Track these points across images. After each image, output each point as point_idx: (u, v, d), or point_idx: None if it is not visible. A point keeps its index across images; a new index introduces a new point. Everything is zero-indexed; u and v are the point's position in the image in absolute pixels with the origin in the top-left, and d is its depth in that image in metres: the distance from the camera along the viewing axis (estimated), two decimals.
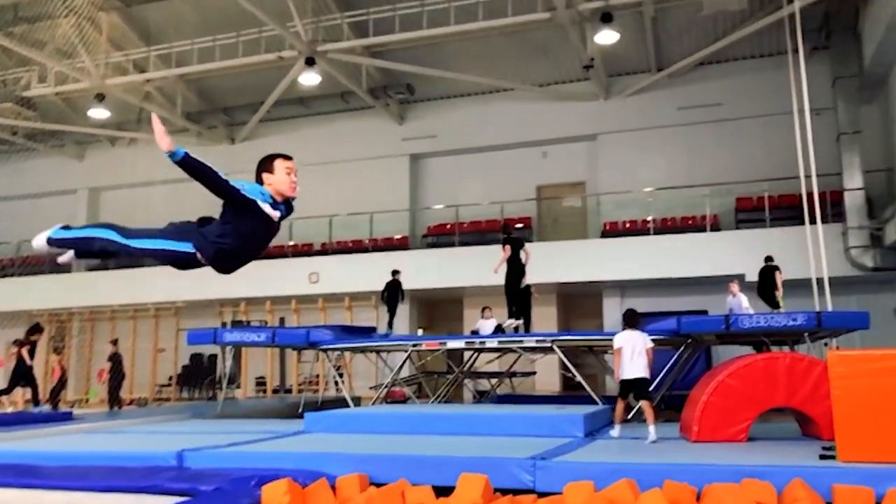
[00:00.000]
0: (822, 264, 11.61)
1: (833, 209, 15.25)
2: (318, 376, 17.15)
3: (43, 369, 17.27)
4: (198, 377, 20.21)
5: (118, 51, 19.46)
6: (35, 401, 12.71)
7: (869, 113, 16.26)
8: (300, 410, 11.04)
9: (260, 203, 3.40)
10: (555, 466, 5.37)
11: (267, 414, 12.21)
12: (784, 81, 13.30)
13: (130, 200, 21.63)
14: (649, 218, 17.44)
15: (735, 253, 15.20)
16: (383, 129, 20.45)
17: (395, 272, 14.24)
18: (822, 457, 5.34)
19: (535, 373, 15.58)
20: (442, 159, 20.49)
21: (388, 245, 19.41)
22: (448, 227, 19.41)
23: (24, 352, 12.36)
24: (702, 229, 16.68)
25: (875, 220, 15.05)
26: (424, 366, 15.84)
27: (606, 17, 15.07)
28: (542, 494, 5.13)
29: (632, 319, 7.78)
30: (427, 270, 17.19)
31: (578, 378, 10.44)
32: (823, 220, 12.47)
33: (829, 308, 11.16)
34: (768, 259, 12.88)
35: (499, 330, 12.92)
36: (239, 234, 3.42)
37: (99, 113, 19.79)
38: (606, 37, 15.62)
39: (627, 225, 17.75)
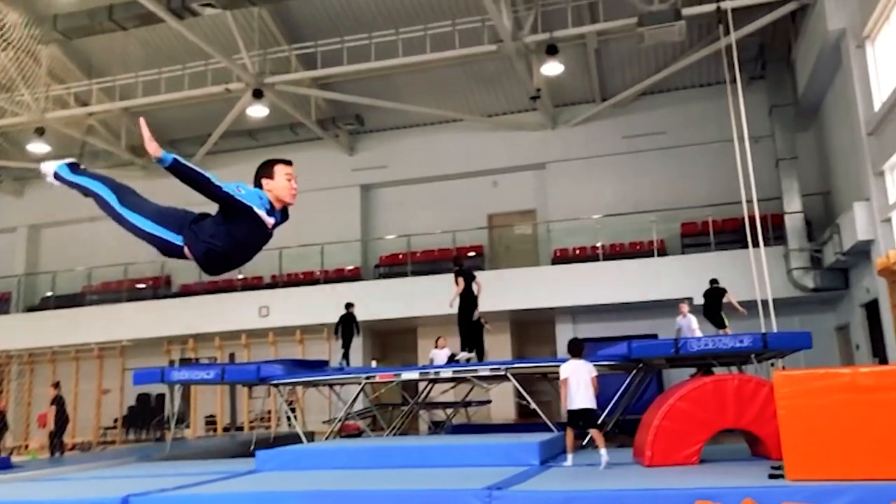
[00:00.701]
0: (766, 286, 11.92)
1: (775, 232, 15.72)
2: (269, 412, 16.81)
3: None
4: (145, 418, 19.59)
5: (59, 84, 19.08)
6: None
7: (805, 139, 16.87)
8: (252, 448, 10.76)
9: (256, 210, 3.28)
10: (511, 496, 5.33)
11: (217, 453, 11.88)
12: (724, 110, 13.74)
13: (73, 237, 21.09)
14: (598, 244, 17.71)
15: (682, 277, 15.52)
16: (333, 159, 20.42)
17: (348, 305, 14.10)
18: (772, 476, 5.41)
19: (490, 402, 15.54)
20: (393, 189, 20.52)
21: (340, 276, 19.28)
22: (400, 256, 19.38)
23: None
24: (649, 254, 16.99)
25: (814, 243, 15.54)
26: (379, 398, 15.66)
27: (551, 50, 15.39)
28: None
29: (576, 349, 7.81)
30: (380, 301, 17.09)
31: (533, 405, 10.45)
32: (766, 244, 12.85)
33: (775, 329, 11.43)
34: (713, 282, 13.15)
35: (453, 360, 12.87)
36: (232, 237, 3.29)
37: (39, 147, 19.28)
38: (552, 68, 15.95)
39: (577, 251, 17.99)
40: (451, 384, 13.52)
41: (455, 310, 12.18)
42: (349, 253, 19.63)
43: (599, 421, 9.56)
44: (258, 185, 3.37)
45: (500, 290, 16.23)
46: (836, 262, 14.40)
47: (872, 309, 13.36)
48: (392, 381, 11.82)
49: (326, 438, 12.11)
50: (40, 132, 18.80)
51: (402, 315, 17.51)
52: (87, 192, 3.50)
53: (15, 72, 17.01)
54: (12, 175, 22.37)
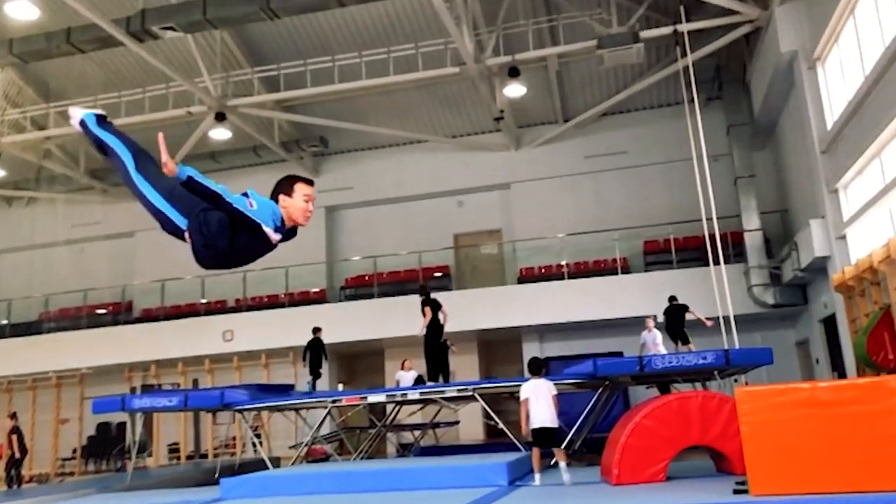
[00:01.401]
0: (728, 303, 12.10)
1: (735, 249, 16.00)
2: (234, 439, 16.53)
3: None
4: (105, 448, 19.13)
5: (14, 108, 18.73)
6: None
7: (762, 158, 17.26)
8: (216, 476, 10.57)
9: (264, 227, 3.18)
10: None
11: (181, 482, 11.62)
12: (683, 129, 14.00)
13: (29, 263, 20.64)
14: (563, 263, 17.84)
15: (646, 294, 15.68)
16: None
17: (315, 330, 13.93)
18: (736, 492, 5.47)
19: (458, 422, 15.46)
20: (358, 210, 20.48)
21: (305, 299, 19.11)
22: (366, 278, 19.30)
23: None
24: (613, 272, 17.16)
25: (773, 260, 15.85)
26: (346, 421, 15.51)
27: (513, 72, 15.57)
28: None
29: (536, 368, 7.88)
30: (346, 323, 16.97)
31: (501, 425, 10.44)
32: (726, 261, 13.08)
33: (737, 345, 11.60)
34: (672, 299, 13.26)
35: (420, 381, 12.82)
36: (233, 242, 3.21)
37: None
38: (514, 90, 16.13)
39: (543, 270, 18.10)
40: (419, 406, 13.45)
41: (419, 327, 12.22)
42: (314, 275, 19.49)
43: (567, 439, 9.62)
44: (275, 198, 3.27)
45: (467, 310, 16.24)
46: (794, 279, 14.69)
47: (830, 324, 13.63)
48: (359, 405, 11.72)
49: (293, 464, 11.94)
50: None
51: (369, 337, 17.41)
52: (105, 149, 3.40)
53: None
54: None
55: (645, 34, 14.53)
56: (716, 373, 9.87)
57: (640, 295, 15.77)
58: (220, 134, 17.57)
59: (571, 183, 18.85)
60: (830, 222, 12.67)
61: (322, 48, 17.35)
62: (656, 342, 12.49)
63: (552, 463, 8.42)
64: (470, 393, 10.54)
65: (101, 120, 3.44)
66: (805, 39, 12.95)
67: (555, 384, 7.87)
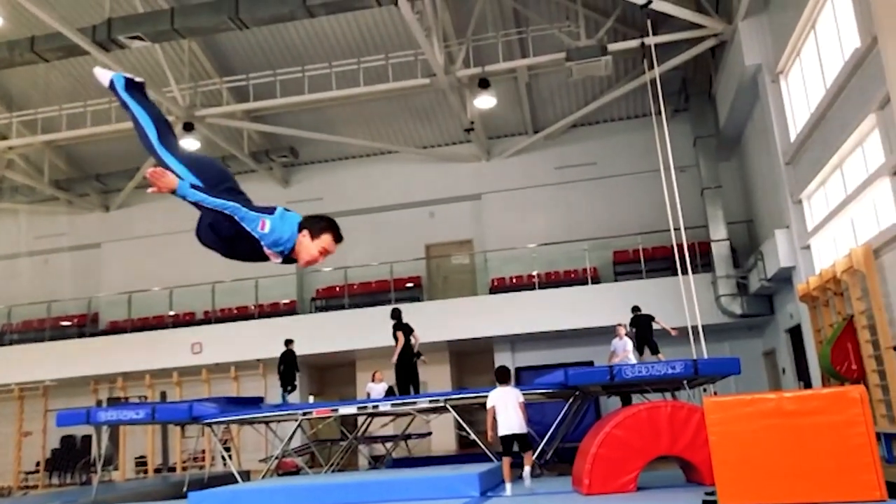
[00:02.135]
0: (696, 313, 12.24)
1: (702, 260, 16.22)
2: (203, 452, 16.30)
3: None
4: (69, 461, 18.75)
5: None
6: None
7: (728, 169, 17.54)
8: (185, 490, 10.42)
9: (266, 249, 3.15)
10: None
11: (148, 496, 11.42)
12: (651, 141, 14.19)
13: None
14: (534, 273, 17.93)
15: (616, 304, 15.74)
16: (267, 192, 20.15)
17: (288, 342, 13.84)
18: (705, 502, 5.53)
19: (430, 434, 15.44)
20: None
21: (276, 311, 18.96)
22: (337, 289, 19.20)
23: None
24: (584, 282, 17.29)
25: (740, 270, 16.08)
26: (317, 434, 15.38)
27: (483, 83, 15.66)
28: None
29: (503, 376, 8.00)
30: (317, 335, 16.86)
31: (473, 436, 10.44)
32: (694, 271, 13.23)
33: (705, 355, 11.73)
34: (636, 309, 13.37)
35: (391, 393, 12.79)
36: (232, 243, 3.19)
37: None
38: (485, 101, 16.21)
39: (514, 280, 18.17)
40: (391, 418, 13.40)
41: (389, 337, 12.25)
42: (285, 286, 19.34)
43: (539, 449, 9.66)
44: (302, 227, 3.17)
45: (439, 321, 16.26)
46: (760, 289, 14.92)
47: (796, 334, 13.85)
48: (330, 417, 11.64)
49: (263, 477, 11.80)
50: None
51: (340, 349, 17.32)
52: (128, 112, 3.37)
53: None
54: None
55: (613, 47, 14.72)
56: (685, 382, 9.98)
57: (611, 305, 15.88)
58: (189, 144, 17.36)
59: (542, 193, 18.97)
60: (795, 232, 12.90)
61: (292, 58, 17.31)
62: (626, 349, 12.58)
63: (520, 476, 8.46)
64: (442, 404, 10.52)
65: (131, 85, 3.39)
66: (768, 53, 13.22)
67: (526, 394, 7.92)
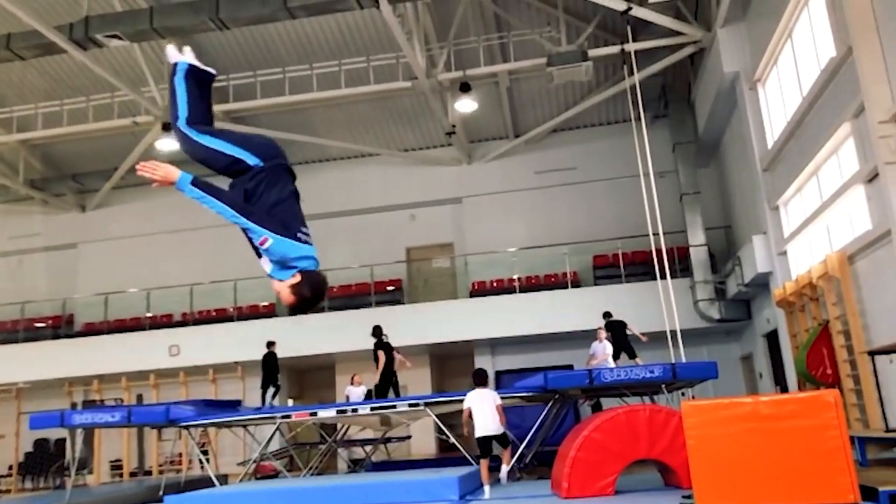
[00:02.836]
0: (675, 317, 12.34)
1: (681, 264, 16.34)
2: (180, 455, 16.15)
3: None
4: (43, 465, 18.49)
5: None
6: None
7: (706, 175, 17.70)
8: (161, 494, 10.31)
9: (259, 260, 3.10)
10: None
11: (123, 500, 11.34)
12: (630, 146, 14.29)
13: None
14: (515, 276, 17.97)
15: (595, 308, 15.79)
16: None
17: (269, 344, 13.75)
18: None
19: (409, 437, 15.41)
20: (309, 223, 20.16)
21: (254, 313, 18.83)
22: None
23: None
24: (564, 286, 17.35)
25: (718, 275, 16.23)
26: (296, 437, 15.29)
27: (465, 87, 15.69)
28: None
29: (480, 379, 8.08)
30: (296, 337, 16.72)
31: (453, 440, 10.43)
32: (672, 276, 13.34)
33: (683, 359, 11.82)
34: (607, 315, 13.40)
35: (370, 396, 12.76)
36: (248, 211, 3.06)
37: None
38: (466, 105, 16.26)
39: (494, 284, 18.19)
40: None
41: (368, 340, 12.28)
42: (263, 289, 19.15)
43: (518, 452, 9.69)
44: (298, 273, 3.06)
45: (419, 324, 16.25)
46: (738, 294, 15.07)
47: (773, 339, 14.00)
48: (308, 420, 11.58)
49: (240, 481, 11.72)
50: None
51: (320, 351, 17.23)
52: (173, 100, 3.31)
53: None
54: None
55: (593, 52, 14.82)
56: (663, 386, 10.05)
57: (591, 308, 15.91)
58: (168, 145, 17.24)
59: (523, 197, 19.03)
60: (772, 238, 13.04)
61: (273, 60, 17.21)
62: (606, 352, 12.65)
63: (499, 479, 8.48)
64: (421, 408, 10.51)
65: (191, 74, 3.33)
66: (746, 61, 13.38)
67: (506, 398, 7.96)
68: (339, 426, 13.35)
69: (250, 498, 8.06)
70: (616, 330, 13.06)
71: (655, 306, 13.29)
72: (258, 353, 13.78)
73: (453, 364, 18.99)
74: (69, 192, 20.59)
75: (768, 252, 13.14)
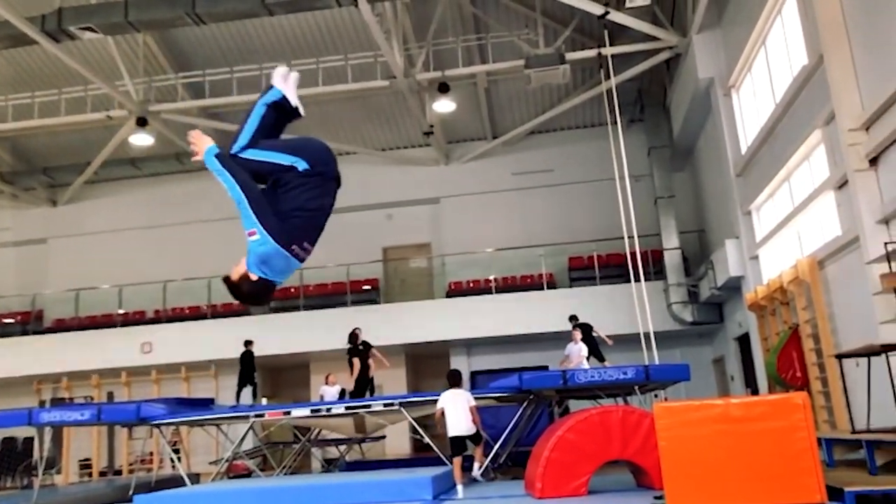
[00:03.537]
0: (648, 319, 12.46)
1: (655, 267, 16.51)
2: (151, 454, 15.98)
3: None
4: (10, 464, 18.17)
5: None
6: None
7: (681, 179, 17.90)
8: (130, 493, 10.18)
9: (253, 267, 3.03)
10: None
11: (92, 500, 11.17)
12: (606, 150, 14.41)
13: None
14: (491, 277, 18.02)
15: (570, 309, 15.88)
16: (221, 191, 19.74)
17: (247, 342, 13.66)
18: None
19: (384, 437, 15.38)
20: None
21: (229, 311, 18.63)
22: (292, 290, 18.98)
23: None
24: (539, 287, 17.44)
25: (691, 278, 16.42)
26: (269, 436, 15.19)
27: (443, 88, 15.71)
28: None
29: (454, 379, 8.16)
30: (271, 336, 16.60)
31: (427, 440, 10.43)
32: (647, 278, 13.47)
33: (657, 361, 11.94)
34: (573, 318, 13.44)
35: (344, 396, 12.72)
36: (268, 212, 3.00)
37: None
38: (444, 106, 16.28)
39: (471, 284, 18.23)
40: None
41: (343, 340, 12.28)
42: None
43: (492, 453, 9.72)
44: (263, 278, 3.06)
45: (396, 324, 16.23)
46: (711, 297, 15.25)
47: (745, 342, 14.19)
48: (281, 420, 11.51)
49: (213, 480, 11.61)
50: None
51: (294, 350, 17.14)
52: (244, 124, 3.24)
53: None
54: None
55: (570, 56, 14.91)
56: (636, 388, 10.14)
57: (566, 310, 16.00)
58: (142, 140, 17.05)
59: (500, 199, 19.10)
60: (744, 243, 13.22)
61: (249, 56, 17.09)
62: (581, 353, 12.72)
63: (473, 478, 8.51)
64: (396, 408, 10.50)
65: (279, 106, 3.33)
66: (721, 67, 13.55)
67: (481, 398, 7.99)
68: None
69: (222, 497, 7.99)
70: (583, 333, 13.16)
71: (629, 308, 13.40)
72: (232, 351, 13.69)
73: (429, 364, 18.99)
74: (40, 186, 20.29)
75: (740, 256, 13.32)
